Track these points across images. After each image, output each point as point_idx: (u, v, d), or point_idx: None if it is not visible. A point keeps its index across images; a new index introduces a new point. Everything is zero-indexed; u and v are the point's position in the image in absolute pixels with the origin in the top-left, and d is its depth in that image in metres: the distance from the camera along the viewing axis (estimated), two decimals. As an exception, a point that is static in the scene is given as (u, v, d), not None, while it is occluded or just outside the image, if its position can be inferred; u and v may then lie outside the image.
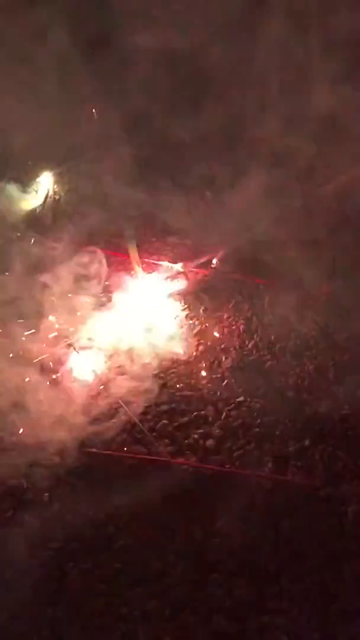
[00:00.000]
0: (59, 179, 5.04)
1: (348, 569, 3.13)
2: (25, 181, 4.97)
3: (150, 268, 4.65)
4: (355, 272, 4.49)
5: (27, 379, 3.96)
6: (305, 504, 3.38)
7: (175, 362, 4.08)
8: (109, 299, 4.43)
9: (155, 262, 4.67)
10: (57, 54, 4.92)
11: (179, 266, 4.64)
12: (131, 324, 4.30)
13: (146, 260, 4.63)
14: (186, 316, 4.36)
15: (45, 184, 5.01)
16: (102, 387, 3.95)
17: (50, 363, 4.06)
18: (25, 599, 3.05)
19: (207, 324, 4.30)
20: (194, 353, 4.14)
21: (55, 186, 5.02)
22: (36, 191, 4.96)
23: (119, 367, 4.06)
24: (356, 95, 4.80)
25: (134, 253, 4.67)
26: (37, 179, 4.99)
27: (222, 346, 4.17)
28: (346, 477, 3.47)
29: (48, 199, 4.97)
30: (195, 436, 3.67)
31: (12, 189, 4.93)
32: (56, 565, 3.16)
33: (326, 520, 3.31)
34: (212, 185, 4.97)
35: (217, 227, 4.74)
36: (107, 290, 4.49)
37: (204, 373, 4.02)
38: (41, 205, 4.94)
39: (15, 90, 4.82)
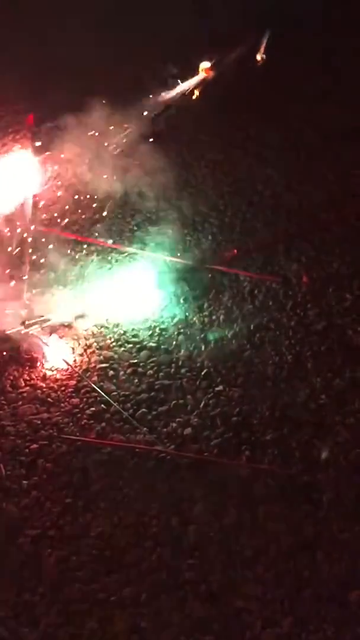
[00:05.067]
0: None
1: (321, 555, 3.18)
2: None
3: (131, 256, 4.68)
4: (333, 263, 4.56)
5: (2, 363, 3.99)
6: (281, 492, 3.41)
7: (154, 351, 4.10)
8: (89, 288, 4.45)
9: (137, 250, 4.69)
10: None
11: (161, 255, 4.68)
12: (110, 313, 4.31)
13: (128, 250, 4.65)
14: (166, 305, 4.39)
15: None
16: (79, 374, 3.97)
17: (24, 346, 4.09)
18: (3, 585, 3.07)
19: (186, 314, 4.32)
20: (174, 342, 4.16)
21: None
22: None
23: (97, 354, 4.08)
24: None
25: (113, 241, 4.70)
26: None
27: (202, 335, 4.20)
28: (322, 465, 3.51)
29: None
30: (174, 425, 3.70)
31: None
32: (33, 552, 3.18)
33: (301, 507, 3.35)
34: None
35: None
36: (87, 277, 4.51)
37: (183, 362, 4.05)
38: None
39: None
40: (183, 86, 4.60)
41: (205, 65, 4.45)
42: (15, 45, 5.38)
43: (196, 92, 4.51)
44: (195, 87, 4.49)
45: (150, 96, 4.91)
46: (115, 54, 5.41)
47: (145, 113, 4.88)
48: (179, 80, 4.67)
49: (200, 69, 4.50)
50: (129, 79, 5.09)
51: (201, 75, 4.49)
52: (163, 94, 4.76)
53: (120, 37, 5.54)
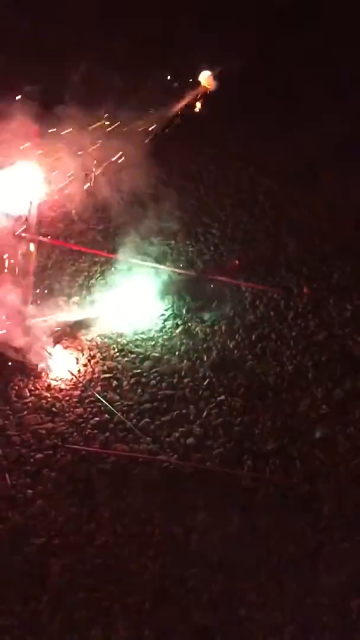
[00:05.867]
0: None
1: (322, 564, 3.22)
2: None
3: (134, 267, 4.73)
4: (333, 274, 4.62)
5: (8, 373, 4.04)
6: (282, 501, 3.46)
7: (158, 361, 4.15)
8: (93, 298, 4.51)
9: (140, 262, 4.75)
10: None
11: (163, 266, 4.73)
12: (113, 323, 4.37)
13: (131, 261, 4.71)
14: (169, 316, 4.44)
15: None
16: (83, 384, 4.02)
17: (29, 356, 4.15)
18: (9, 593, 3.11)
19: (189, 324, 4.38)
20: (177, 352, 4.21)
21: None
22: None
23: (101, 365, 4.14)
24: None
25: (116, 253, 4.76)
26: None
27: (204, 346, 4.25)
28: (322, 475, 3.55)
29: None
30: (177, 434, 3.74)
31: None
32: (39, 560, 3.22)
33: (302, 517, 3.39)
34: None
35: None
36: (91, 288, 4.57)
37: (185, 372, 4.10)
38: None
39: None
40: (185, 99, 4.64)
41: (206, 76, 4.47)
42: (24, 65, 5.47)
43: (198, 105, 4.56)
44: (197, 99, 4.54)
45: (152, 111, 4.97)
46: (120, 70, 5.48)
47: (148, 127, 4.93)
48: (180, 94, 4.71)
49: (201, 81, 4.53)
50: (131, 92, 5.14)
51: (203, 87, 4.52)
52: (165, 107, 4.81)
53: (124, 58, 5.60)
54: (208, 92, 4.49)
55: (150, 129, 4.94)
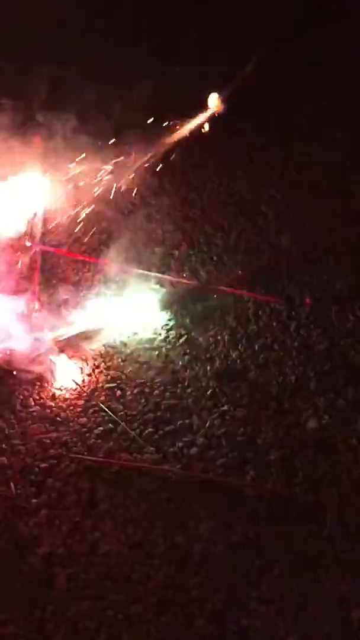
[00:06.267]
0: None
1: (324, 574, 3.26)
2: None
3: (137, 277, 4.77)
4: (335, 283, 4.65)
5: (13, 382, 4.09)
6: (285, 511, 3.50)
7: (161, 371, 4.19)
8: (97, 308, 4.55)
9: (143, 271, 4.79)
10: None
11: (166, 276, 4.77)
12: (117, 333, 4.41)
13: (134, 269, 4.75)
14: (172, 325, 4.48)
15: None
16: (88, 393, 4.06)
17: (34, 365, 4.18)
18: (14, 602, 3.15)
19: (192, 334, 4.41)
20: (180, 362, 4.25)
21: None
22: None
23: (105, 374, 4.18)
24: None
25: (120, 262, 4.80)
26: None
27: (207, 356, 4.29)
28: (325, 485, 3.59)
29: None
30: (180, 444, 3.78)
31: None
32: (44, 569, 3.26)
33: (305, 526, 3.43)
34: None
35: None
36: (94, 298, 4.61)
37: (189, 382, 4.14)
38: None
39: None
40: (192, 124, 4.68)
41: (214, 100, 4.50)
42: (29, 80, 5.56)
43: (206, 126, 4.60)
44: (205, 122, 4.58)
45: (158, 137, 5.02)
46: (125, 89, 5.58)
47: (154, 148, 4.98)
48: (187, 119, 4.75)
49: (209, 105, 4.56)
50: (133, 121, 5.21)
51: (211, 111, 4.56)
52: (172, 133, 4.85)
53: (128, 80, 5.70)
54: (216, 114, 4.52)
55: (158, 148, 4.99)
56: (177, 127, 4.79)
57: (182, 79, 5.13)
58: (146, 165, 5.08)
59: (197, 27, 6.06)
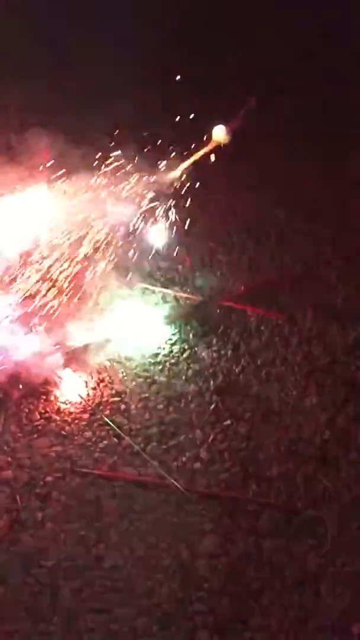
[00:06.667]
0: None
1: (325, 588, 3.31)
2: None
3: (142, 292, 4.85)
4: (336, 299, 4.73)
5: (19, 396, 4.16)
6: (286, 526, 3.55)
7: (165, 385, 4.26)
8: (101, 322, 4.62)
9: (148, 286, 4.86)
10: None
11: (170, 291, 4.85)
12: (122, 347, 4.48)
13: (139, 285, 4.82)
14: (176, 340, 4.55)
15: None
16: (92, 407, 4.12)
17: (39, 379, 4.24)
18: (19, 615, 3.20)
19: (196, 349, 4.48)
20: (184, 377, 4.32)
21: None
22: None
23: (109, 388, 4.24)
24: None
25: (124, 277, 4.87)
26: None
27: (211, 370, 4.36)
28: (325, 500, 3.65)
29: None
30: (184, 459, 3.84)
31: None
32: (49, 582, 3.31)
33: (306, 541, 3.48)
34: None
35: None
36: (99, 312, 4.68)
37: (192, 397, 4.20)
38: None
39: None
40: (199, 155, 4.75)
41: (220, 131, 4.55)
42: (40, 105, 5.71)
43: (212, 157, 4.67)
44: (211, 152, 4.65)
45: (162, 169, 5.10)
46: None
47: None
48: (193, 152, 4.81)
49: (215, 136, 4.62)
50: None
51: (216, 142, 4.61)
52: (176, 167, 4.93)
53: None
54: (222, 145, 4.59)
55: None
56: (182, 160, 4.87)
57: (188, 111, 5.23)
58: (152, 183, 5.17)
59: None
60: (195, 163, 4.68)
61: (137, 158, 4.85)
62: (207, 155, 4.64)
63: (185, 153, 4.77)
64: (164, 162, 4.86)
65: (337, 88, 6.20)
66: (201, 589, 3.31)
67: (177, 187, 4.80)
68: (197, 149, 4.73)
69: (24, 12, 6.25)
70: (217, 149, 4.59)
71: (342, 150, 5.70)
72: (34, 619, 3.19)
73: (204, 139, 4.62)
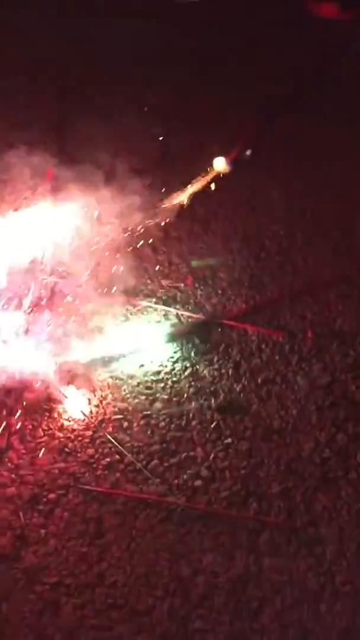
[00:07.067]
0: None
1: (324, 607, 3.34)
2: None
3: (142, 311, 4.91)
4: (337, 319, 4.78)
5: (23, 413, 4.21)
6: (286, 544, 3.59)
7: (167, 403, 4.31)
8: (104, 340, 4.68)
9: (150, 304, 4.93)
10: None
11: (172, 309, 4.91)
12: (124, 365, 4.53)
13: (141, 303, 4.89)
14: (177, 358, 4.61)
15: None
16: (95, 425, 4.17)
17: (43, 396, 4.30)
18: (22, 631, 3.23)
19: (197, 367, 4.54)
20: (185, 395, 4.37)
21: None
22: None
23: (112, 406, 4.29)
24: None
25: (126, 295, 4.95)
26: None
27: (212, 388, 4.41)
28: (325, 518, 3.69)
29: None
30: (185, 476, 3.89)
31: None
32: (51, 599, 3.35)
33: (305, 559, 3.52)
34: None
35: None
36: (102, 330, 4.74)
37: (193, 414, 4.25)
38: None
39: None
40: (200, 184, 4.85)
41: (220, 162, 4.63)
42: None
43: (212, 186, 4.76)
44: (212, 181, 4.74)
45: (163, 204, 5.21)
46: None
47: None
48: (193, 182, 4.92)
49: (215, 167, 4.70)
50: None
51: (216, 172, 4.69)
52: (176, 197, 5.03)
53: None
54: (222, 175, 4.68)
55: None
56: (183, 190, 4.98)
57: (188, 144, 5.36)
58: (152, 201, 5.26)
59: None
60: (195, 192, 4.79)
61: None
62: (207, 185, 4.73)
63: (186, 185, 4.88)
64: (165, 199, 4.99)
65: (337, 106, 6.28)
66: (201, 607, 3.35)
67: (178, 214, 4.90)
68: (197, 180, 4.84)
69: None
70: (218, 178, 4.69)
71: (343, 169, 5.78)
72: (36, 635, 3.23)
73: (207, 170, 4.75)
